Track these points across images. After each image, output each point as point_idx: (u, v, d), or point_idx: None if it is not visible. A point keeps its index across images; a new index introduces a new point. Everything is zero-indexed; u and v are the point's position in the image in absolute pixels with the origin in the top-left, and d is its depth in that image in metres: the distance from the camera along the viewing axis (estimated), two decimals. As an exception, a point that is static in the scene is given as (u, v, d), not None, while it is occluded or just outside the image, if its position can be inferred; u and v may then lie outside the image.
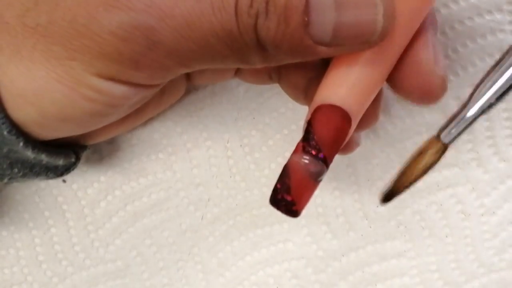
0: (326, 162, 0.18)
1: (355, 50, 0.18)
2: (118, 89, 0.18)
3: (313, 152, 0.18)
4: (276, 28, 0.17)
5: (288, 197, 0.18)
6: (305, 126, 0.19)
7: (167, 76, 0.19)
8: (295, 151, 0.19)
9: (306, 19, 0.17)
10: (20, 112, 0.18)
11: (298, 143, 0.19)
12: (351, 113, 0.18)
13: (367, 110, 0.20)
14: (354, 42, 0.18)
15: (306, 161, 0.18)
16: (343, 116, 0.18)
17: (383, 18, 0.17)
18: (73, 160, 0.22)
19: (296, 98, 0.24)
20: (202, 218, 0.27)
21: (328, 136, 0.18)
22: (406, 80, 0.19)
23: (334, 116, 0.18)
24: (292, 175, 0.18)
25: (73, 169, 0.22)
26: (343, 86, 0.18)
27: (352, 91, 0.19)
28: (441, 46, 0.21)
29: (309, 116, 0.19)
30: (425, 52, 0.19)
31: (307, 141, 0.18)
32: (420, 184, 0.27)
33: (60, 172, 0.22)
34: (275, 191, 0.19)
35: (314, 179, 0.18)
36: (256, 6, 0.17)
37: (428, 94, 0.20)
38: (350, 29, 0.17)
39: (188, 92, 0.26)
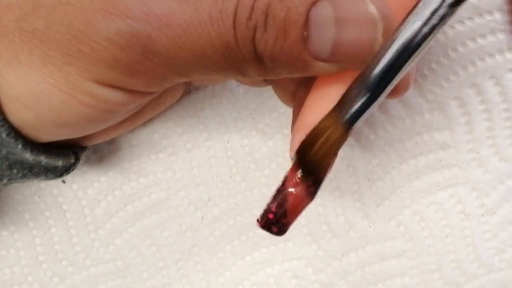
0: (320, 182, 0.19)
1: (352, 68, 0.18)
2: (115, 96, 0.18)
3: (311, 177, 0.18)
4: (274, 42, 0.17)
5: (283, 220, 0.18)
6: (298, 145, 0.19)
7: (163, 84, 0.19)
8: (292, 173, 0.19)
9: (305, 33, 0.17)
10: (17, 116, 0.18)
11: (292, 167, 0.19)
12: None
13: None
14: (352, 60, 0.17)
15: (307, 186, 0.18)
16: None
17: (382, 38, 0.17)
18: (72, 161, 0.22)
19: (284, 100, 0.24)
20: (202, 218, 0.27)
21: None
22: None
23: None
24: (290, 202, 0.18)
25: (72, 170, 0.22)
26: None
27: None
28: None
29: (304, 136, 0.19)
30: None
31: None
32: (420, 184, 0.27)
33: (60, 172, 0.22)
34: (268, 213, 0.19)
35: (311, 199, 0.19)
36: (255, 18, 0.17)
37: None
38: (349, 47, 0.17)
39: (188, 92, 0.26)
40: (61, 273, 0.27)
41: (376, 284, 0.28)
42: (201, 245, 0.27)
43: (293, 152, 0.19)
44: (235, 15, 0.17)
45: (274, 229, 0.19)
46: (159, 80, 0.18)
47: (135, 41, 0.17)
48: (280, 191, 0.19)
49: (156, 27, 0.17)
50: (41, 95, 0.18)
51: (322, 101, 0.19)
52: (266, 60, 0.17)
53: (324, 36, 0.17)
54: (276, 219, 0.18)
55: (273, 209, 0.19)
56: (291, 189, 0.19)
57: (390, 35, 0.17)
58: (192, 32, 0.17)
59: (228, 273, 0.28)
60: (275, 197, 0.19)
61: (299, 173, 0.18)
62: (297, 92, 0.22)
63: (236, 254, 0.28)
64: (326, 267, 0.28)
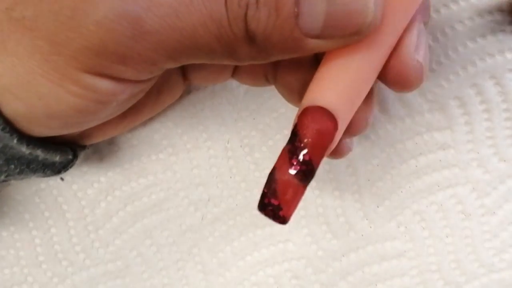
0: (312, 165, 0.18)
1: (345, 43, 0.18)
2: (104, 85, 0.18)
3: (299, 155, 0.18)
4: (267, 19, 0.17)
5: (275, 202, 0.18)
6: (292, 129, 0.19)
7: (153, 70, 0.18)
8: (281, 155, 0.18)
9: (296, 10, 0.17)
10: (9, 107, 0.18)
11: (285, 147, 0.18)
12: (337, 115, 0.18)
13: (357, 115, 0.20)
14: (344, 33, 0.17)
15: (291, 164, 0.18)
16: (329, 119, 0.18)
17: (373, 6, 0.17)
18: (70, 157, 0.22)
19: (291, 100, 0.23)
20: (202, 218, 0.27)
21: (313, 139, 0.18)
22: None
23: (319, 119, 0.18)
24: (278, 179, 0.18)
25: (71, 167, 0.22)
26: (329, 88, 0.18)
27: (338, 92, 0.18)
28: (426, 36, 0.20)
29: (296, 119, 0.19)
30: (407, 37, 0.19)
31: (293, 144, 0.18)
32: (420, 184, 0.27)
33: (58, 169, 0.22)
34: (262, 196, 0.18)
35: (301, 182, 0.18)
36: None
37: (403, 80, 0.19)
38: (340, 19, 0.17)
39: (188, 93, 0.26)
40: (61, 273, 0.27)
41: (376, 284, 0.28)
42: (201, 245, 0.28)
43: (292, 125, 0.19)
44: None
45: (269, 212, 0.18)
46: (149, 66, 0.18)
47: (125, 23, 0.16)
48: (271, 171, 0.18)
49: (146, 8, 0.16)
50: (29, 85, 0.18)
51: (331, 76, 0.18)
52: (258, 39, 0.17)
53: (315, 10, 0.17)
54: (268, 200, 0.18)
55: (265, 190, 0.18)
56: (278, 166, 0.18)
57: (382, 3, 0.17)
58: (183, 11, 0.16)
59: (228, 274, 0.28)
60: (267, 177, 0.19)
61: (288, 153, 0.18)
62: (303, 91, 0.22)
63: (236, 254, 0.28)
64: (326, 267, 0.28)
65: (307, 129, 0.18)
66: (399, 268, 0.28)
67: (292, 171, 0.18)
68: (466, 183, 0.27)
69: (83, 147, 0.23)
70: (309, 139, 0.18)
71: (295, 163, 0.18)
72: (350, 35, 0.17)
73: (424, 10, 0.20)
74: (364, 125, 0.21)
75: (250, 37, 0.17)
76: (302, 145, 0.18)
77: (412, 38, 0.19)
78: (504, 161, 0.27)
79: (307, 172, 0.18)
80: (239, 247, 0.28)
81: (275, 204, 0.18)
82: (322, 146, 0.18)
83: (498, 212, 0.27)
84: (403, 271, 0.28)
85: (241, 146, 0.27)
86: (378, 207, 0.27)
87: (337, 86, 0.18)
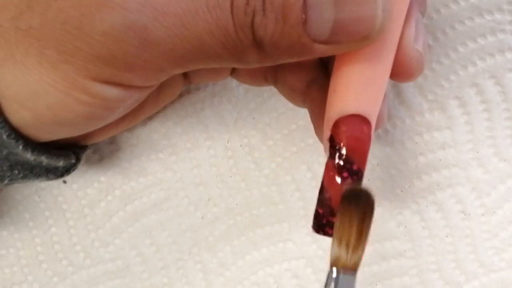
0: (361, 172, 0.18)
1: (354, 48, 0.18)
2: (112, 92, 0.18)
3: (347, 167, 0.18)
4: (274, 26, 0.17)
5: (334, 219, 0.18)
6: (328, 143, 0.19)
7: (161, 77, 0.19)
8: (327, 172, 0.18)
9: (303, 16, 0.17)
10: (16, 116, 0.18)
11: (328, 163, 0.18)
12: (369, 116, 0.18)
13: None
14: (352, 39, 0.17)
15: (343, 178, 0.18)
16: (363, 122, 0.18)
17: (382, 12, 0.17)
18: (73, 161, 0.22)
19: (293, 101, 0.23)
20: (202, 218, 0.27)
21: (354, 147, 0.18)
22: None
23: (355, 126, 0.18)
24: (332, 196, 0.18)
25: (73, 170, 0.22)
26: (354, 93, 0.18)
27: (363, 95, 0.18)
28: (424, 25, 0.20)
29: (329, 133, 0.19)
30: (407, 28, 0.19)
31: (337, 157, 0.18)
32: (420, 184, 0.27)
33: (61, 173, 0.22)
34: (318, 217, 0.18)
35: None
36: (252, 3, 0.16)
37: (405, 70, 0.19)
38: (349, 26, 0.17)
39: (188, 92, 0.26)
40: (61, 273, 0.27)
41: (376, 284, 0.28)
42: (201, 245, 0.28)
43: (326, 140, 0.19)
44: (232, 1, 0.16)
45: (329, 230, 0.18)
46: (157, 73, 0.18)
47: (131, 33, 0.16)
48: (321, 191, 0.18)
49: (152, 18, 0.16)
50: (37, 94, 0.18)
51: (350, 82, 0.18)
52: (266, 45, 0.17)
53: (323, 17, 0.17)
54: (326, 220, 0.18)
55: (320, 210, 0.18)
56: (329, 183, 0.18)
57: (390, 9, 0.17)
58: (189, 20, 0.16)
59: (228, 273, 0.28)
60: (318, 198, 0.18)
61: (336, 168, 0.18)
62: (308, 92, 0.22)
63: (236, 254, 0.28)
64: (326, 267, 0.28)
65: (345, 139, 0.18)
66: (398, 267, 0.28)
67: (345, 184, 0.18)
68: (466, 183, 0.27)
69: (85, 147, 0.23)
70: (351, 148, 0.18)
71: (346, 176, 0.18)
72: (359, 40, 0.17)
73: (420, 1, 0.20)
74: (382, 121, 0.22)
75: (257, 43, 0.17)
76: (346, 157, 0.18)
77: (411, 29, 0.19)
78: (504, 161, 0.27)
79: (358, 181, 0.18)
80: (239, 247, 0.28)
81: (334, 222, 0.18)
82: (364, 151, 0.19)
83: (498, 212, 0.27)
84: (402, 270, 0.28)
85: (241, 145, 0.27)
86: (377, 206, 0.27)
87: (359, 89, 0.18)
